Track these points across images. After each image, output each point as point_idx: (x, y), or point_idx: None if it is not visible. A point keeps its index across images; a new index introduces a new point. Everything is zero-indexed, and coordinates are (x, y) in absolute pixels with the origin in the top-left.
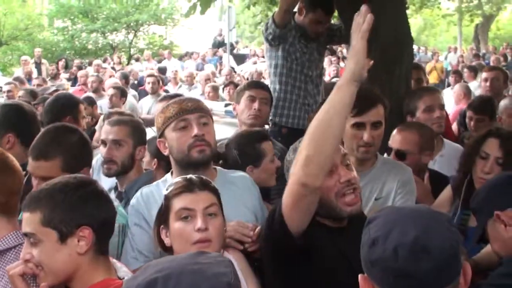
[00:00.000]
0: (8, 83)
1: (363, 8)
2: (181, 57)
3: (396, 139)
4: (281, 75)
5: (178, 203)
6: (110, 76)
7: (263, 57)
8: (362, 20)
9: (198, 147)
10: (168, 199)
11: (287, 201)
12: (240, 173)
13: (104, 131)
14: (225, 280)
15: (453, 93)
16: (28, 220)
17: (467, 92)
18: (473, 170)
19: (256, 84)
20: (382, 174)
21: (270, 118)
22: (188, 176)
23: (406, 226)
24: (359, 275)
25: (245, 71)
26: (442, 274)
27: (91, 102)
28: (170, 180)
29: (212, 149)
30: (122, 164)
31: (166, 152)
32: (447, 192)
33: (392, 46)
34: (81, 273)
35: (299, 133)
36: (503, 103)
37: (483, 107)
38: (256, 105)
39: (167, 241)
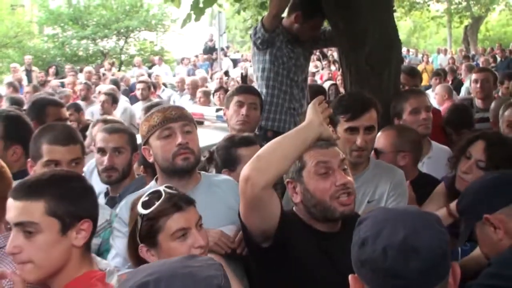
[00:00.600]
0: None
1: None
2: (179, 63)
3: (377, 138)
4: (268, 79)
5: (173, 225)
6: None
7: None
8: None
9: (183, 155)
10: (153, 219)
11: (240, 202)
12: (224, 176)
13: (102, 139)
14: (215, 282)
15: (435, 94)
16: (28, 209)
17: (449, 92)
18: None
19: (245, 89)
20: (374, 177)
21: None
22: (167, 192)
23: (395, 226)
24: (350, 275)
25: (237, 76)
26: (431, 274)
27: (77, 109)
28: (154, 188)
29: (196, 156)
30: (122, 171)
31: (151, 159)
32: (440, 188)
33: (380, 49)
34: (70, 266)
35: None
36: (506, 112)
37: (462, 123)
38: (244, 110)
39: (152, 259)
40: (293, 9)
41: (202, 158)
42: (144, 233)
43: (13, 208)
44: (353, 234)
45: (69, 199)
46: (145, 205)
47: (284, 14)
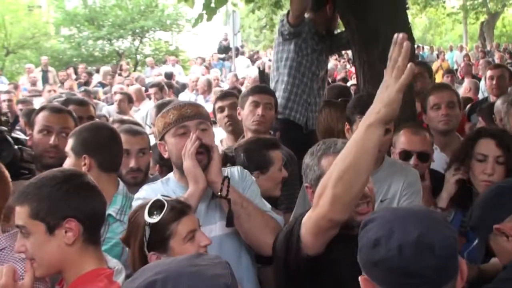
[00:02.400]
0: (6, 92)
1: (399, 36)
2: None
3: (402, 140)
4: (291, 68)
5: (183, 228)
6: (128, 85)
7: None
8: (398, 54)
9: (198, 154)
10: (164, 225)
11: (309, 229)
12: (235, 167)
13: (125, 141)
14: (222, 281)
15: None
16: (18, 213)
17: (474, 86)
18: (470, 175)
19: (260, 89)
20: (388, 176)
21: None
22: (168, 201)
23: (407, 225)
24: (360, 277)
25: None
26: (444, 270)
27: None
28: (173, 180)
29: (211, 154)
30: (145, 171)
31: (166, 155)
32: None
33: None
34: (70, 263)
35: (296, 126)
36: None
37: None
38: (260, 110)
39: None
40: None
41: None
42: (154, 241)
43: (15, 212)
44: (360, 236)
45: (50, 201)
46: (152, 214)
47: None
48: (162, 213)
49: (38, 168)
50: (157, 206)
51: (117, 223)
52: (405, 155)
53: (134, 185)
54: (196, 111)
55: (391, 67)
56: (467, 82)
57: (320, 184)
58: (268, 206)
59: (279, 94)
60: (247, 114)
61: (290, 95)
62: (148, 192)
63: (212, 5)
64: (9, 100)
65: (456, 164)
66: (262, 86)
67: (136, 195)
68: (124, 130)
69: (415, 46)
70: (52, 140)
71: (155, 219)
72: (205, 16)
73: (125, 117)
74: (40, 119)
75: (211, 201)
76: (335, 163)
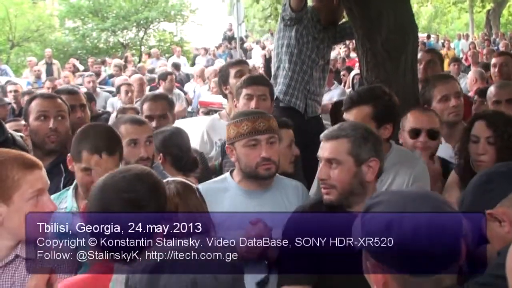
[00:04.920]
0: (13, 83)
1: None
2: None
3: (410, 119)
4: (292, 54)
5: None
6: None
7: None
8: None
9: (266, 165)
10: None
11: None
12: (292, 182)
13: (133, 131)
14: None
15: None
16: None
17: (480, 76)
18: (470, 158)
19: (253, 81)
20: (394, 165)
21: None
22: None
23: (417, 207)
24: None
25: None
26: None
27: (89, 98)
28: (230, 181)
29: (276, 166)
30: (152, 159)
31: (233, 159)
32: (452, 178)
33: (396, 34)
34: None
35: (297, 113)
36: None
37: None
38: (253, 104)
39: None
40: None
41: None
42: None
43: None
44: (363, 222)
45: None
46: None
47: None
48: None
49: (38, 156)
50: None
51: None
52: (414, 133)
53: None
54: (268, 126)
55: None
56: (472, 72)
57: None
58: None
59: (280, 80)
60: (242, 107)
61: (291, 82)
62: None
63: None
64: (15, 91)
65: (457, 148)
66: (255, 77)
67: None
68: (129, 121)
69: (425, 35)
70: (51, 123)
71: None
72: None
73: (127, 106)
74: (34, 107)
75: None
76: None
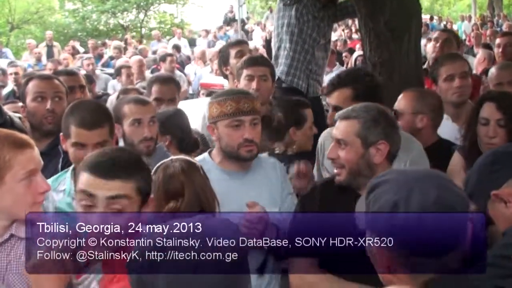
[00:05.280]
0: (13, 65)
1: None
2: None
3: (398, 100)
4: (292, 34)
5: None
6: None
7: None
8: None
9: (248, 147)
10: None
11: None
12: (263, 155)
13: (137, 111)
14: None
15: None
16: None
17: (488, 56)
18: (478, 140)
19: (253, 61)
20: None
21: None
22: None
23: (423, 186)
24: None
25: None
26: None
27: (89, 80)
28: (209, 161)
29: (258, 147)
30: (156, 139)
31: (214, 138)
32: (457, 160)
33: (399, 14)
34: None
35: (299, 93)
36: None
37: None
38: (254, 84)
39: None
40: None
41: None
42: None
43: None
44: (371, 202)
45: None
46: None
47: None
48: None
49: (36, 137)
50: None
51: None
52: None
53: (147, 154)
54: (252, 107)
55: None
56: (481, 52)
57: None
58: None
59: (281, 61)
60: (243, 88)
61: (292, 62)
62: None
63: None
64: (16, 73)
65: (465, 129)
66: (255, 58)
67: None
68: (133, 101)
69: (428, 16)
70: (48, 104)
71: None
72: None
73: (129, 87)
74: (31, 88)
75: None
76: None
